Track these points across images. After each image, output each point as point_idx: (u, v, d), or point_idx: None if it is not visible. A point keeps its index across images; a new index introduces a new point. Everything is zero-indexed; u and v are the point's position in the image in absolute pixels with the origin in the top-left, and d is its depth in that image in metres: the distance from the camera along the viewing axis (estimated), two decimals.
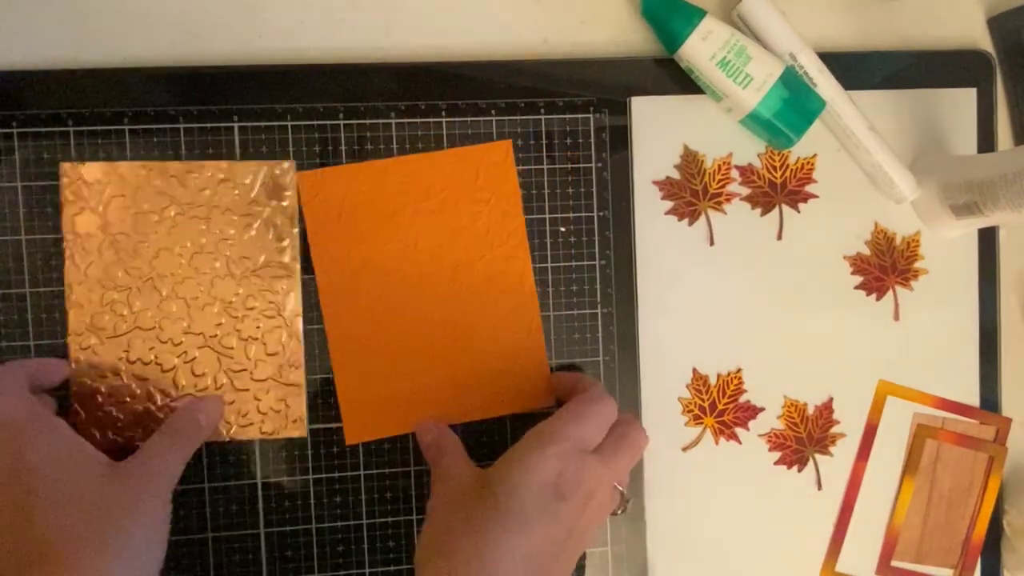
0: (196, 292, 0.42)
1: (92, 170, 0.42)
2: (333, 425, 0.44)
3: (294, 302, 0.43)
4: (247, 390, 0.43)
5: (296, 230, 0.43)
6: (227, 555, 0.43)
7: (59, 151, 0.42)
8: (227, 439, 0.43)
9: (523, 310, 0.44)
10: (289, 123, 0.43)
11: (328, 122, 0.44)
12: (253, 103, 0.43)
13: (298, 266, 0.43)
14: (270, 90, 0.43)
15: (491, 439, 0.45)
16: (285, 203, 0.43)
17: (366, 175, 0.43)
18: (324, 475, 0.44)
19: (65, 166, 0.41)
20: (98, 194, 0.42)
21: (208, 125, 0.43)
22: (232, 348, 0.43)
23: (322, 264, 0.43)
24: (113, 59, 0.43)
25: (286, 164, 0.43)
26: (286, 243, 0.43)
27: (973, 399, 0.50)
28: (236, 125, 0.43)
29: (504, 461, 0.37)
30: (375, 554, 0.44)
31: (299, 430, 0.43)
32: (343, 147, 0.44)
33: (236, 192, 0.42)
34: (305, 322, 0.43)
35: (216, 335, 0.43)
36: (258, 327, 0.43)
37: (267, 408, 0.43)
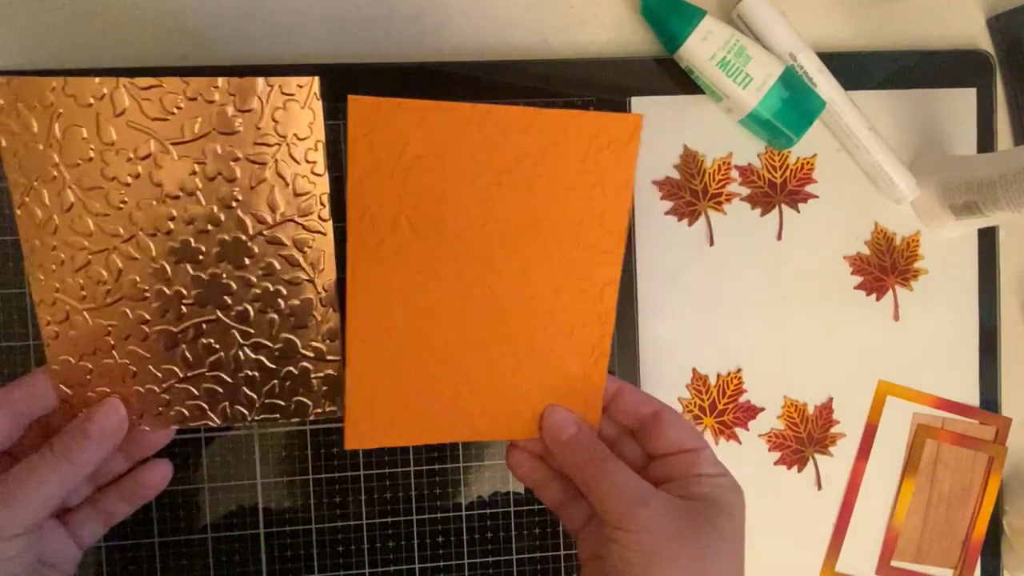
0: (195, 256, 0.34)
1: (34, 87, 0.31)
2: (333, 425, 0.44)
3: (327, 265, 0.35)
4: (273, 368, 0.35)
5: (323, 173, 0.34)
6: (227, 555, 0.43)
7: None
8: (250, 421, 0.36)
9: (593, 327, 0.36)
10: None
11: (328, 122, 0.43)
12: None
13: (329, 218, 0.34)
14: None
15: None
16: (305, 135, 0.33)
17: (442, 120, 0.32)
18: (324, 475, 0.44)
19: None
20: (46, 121, 0.32)
21: None
22: (250, 320, 0.35)
23: (359, 226, 0.33)
24: (113, 59, 0.43)
25: (302, 82, 0.33)
26: (309, 190, 0.34)
27: (973, 399, 0.50)
28: None
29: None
30: (375, 554, 0.44)
31: (335, 412, 0.36)
32: (343, 147, 0.44)
33: (237, 123, 0.33)
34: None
35: (229, 303, 0.34)
36: (282, 297, 0.35)
37: (299, 388, 0.36)
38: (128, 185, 0.33)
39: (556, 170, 0.34)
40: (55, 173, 0.32)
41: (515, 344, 0.36)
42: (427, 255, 0.34)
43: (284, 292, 0.35)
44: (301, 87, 0.33)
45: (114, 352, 0.34)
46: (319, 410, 0.36)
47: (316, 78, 0.33)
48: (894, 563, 0.49)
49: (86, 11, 0.43)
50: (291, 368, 0.35)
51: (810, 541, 0.49)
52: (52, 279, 0.33)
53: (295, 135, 0.33)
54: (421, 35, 0.45)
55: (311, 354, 0.35)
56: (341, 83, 0.44)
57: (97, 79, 0.32)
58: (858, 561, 0.49)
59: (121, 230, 0.33)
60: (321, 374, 0.36)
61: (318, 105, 0.33)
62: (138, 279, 0.34)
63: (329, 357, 0.36)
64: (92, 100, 0.32)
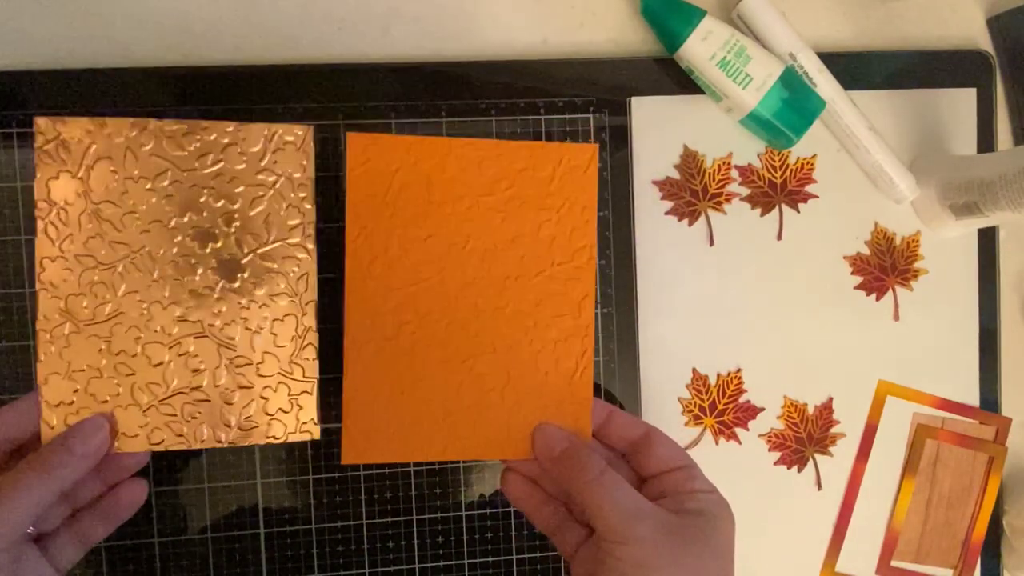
0: (194, 273, 0.37)
1: (73, 127, 0.36)
2: (333, 425, 0.44)
3: (309, 287, 0.38)
4: (251, 387, 0.38)
5: (311, 206, 0.38)
6: (227, 555, 0.43)
7: None
8: (225, 445, 0.38)
9: (574, 341, 0.39)
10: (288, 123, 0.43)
11: (328, 122, 0.44)
12: (253, 103, 0.43)
13: (313, 246, 0.38)
14: (270, 90, 0.43)
15: None
16: (299, 174, 0.38)
17: (426, 151, 0.38)
18: (324, 475, 0.44)
19: (40, 122, 0.36)
20: (79, 155, 0.36)
21: None
22: (235, 339, 0.37)
23: (355, 247, 0.37)
24: (113, 59, 0.43)
25: (300, 130, 0.38)
26: (300, 220, 0.38)
27: (973, 399, 0.50)
28: None
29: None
30: (375, 554, 0.44)
31: (310, 433, 0.38)
32: (343, 148, 0.44)
33: (243, 159, 0.37)
34: (320, 310, 0.39)
35: (216, 324, 0.37)
36: (266, 315, 0.38)
37: (275, 409, 0.38)
38: (143, 209, 0.37)
39: (528, 193, 0.38)
40: (82, 203, 0.36)
41: (502, 360, 0.38)
42: (416, 272, 0.38)
43: (269, 310, 0.38)
44: (299, 134, 0.38)
45: (102, 368, 0.36)
46: (292, 432, 0.38)
47: (311, 128, 0.38)
48: (894, 563, 0.49)
49: (86, 11, 0.43)
50: (269, 386, 0.38)
51: (810, 541, 0.49)
52: (57, 294, 0.36)
53: (290, 172, 0.38)
54: (421, 35, 0.45)
55: (289, 372, 0.38)
56: (341, 83, 0.44)
57: (130, 120, 0.36)
58: (858, 561, 0.49)
59: (130, 249, 0.37)
60: (298, 393, 0.38)
61: (311, 149, 0.38)
62: (138, 296, 0.37)
63: (307, 375, 0.38)
64: (124, 138, 0.36)
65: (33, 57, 0.42)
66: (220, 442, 0.37)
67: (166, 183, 0.37)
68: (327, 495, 0.44)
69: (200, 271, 0.37)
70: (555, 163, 0.39)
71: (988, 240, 0.49)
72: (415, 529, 0.45)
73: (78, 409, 0.36)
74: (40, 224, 0.36)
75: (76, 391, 0.36)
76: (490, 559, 0.45)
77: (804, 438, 0.48)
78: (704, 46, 0.43)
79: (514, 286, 0.38)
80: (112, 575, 0.43)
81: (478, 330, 0.38)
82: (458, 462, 0.45)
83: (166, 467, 0.43)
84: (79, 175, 0.36)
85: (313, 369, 0.38)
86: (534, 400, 0.38)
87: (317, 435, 0.38)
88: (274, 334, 0.38)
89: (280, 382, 0.38)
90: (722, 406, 0.48)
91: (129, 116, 0.40)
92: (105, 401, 0.36)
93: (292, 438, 0.38)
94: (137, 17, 0.43)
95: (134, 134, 0.36)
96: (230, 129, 0.37)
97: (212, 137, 0.37)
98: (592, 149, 0.39)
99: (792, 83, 0.44)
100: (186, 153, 0.37)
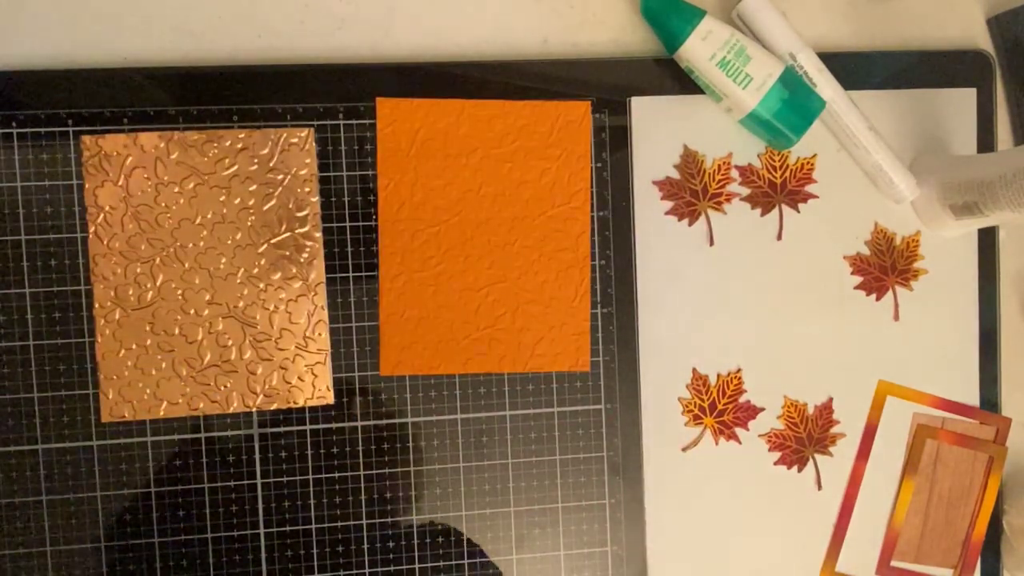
0: (218, 263, 0.42)
1: (112, 142, 0.42)
2: (333, 425, 0.44)
3: (317, 270, 0.43)
4: (271, 360, 0.43)
5: (316, 198, 0.43)
6: (227, 555, 0.43)
7: (59, 151, 0.42)
8: (253, 410, 0.43)
9: (574, 271, 0.45)
10: (289, 123, 0.43)
11: (328, 122, 0.44)
12: (253, 103, 0.43)
13: (320, 234, 0.43)
14: (270, 90, 0.43)
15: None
16: (304, 171, 0.43)
17: (443, 112, 0.44)
18: (324, 475, 0.44)
19: (85, 139, 0.41)
20: (118, 166, 0.42)
21: (208, 125, 0.43)
22: (256, 318, 0.43)
23: (386, 194, 0.44)
24: (113, 59, 0.43)
25: (304, 132, 0.43)
26: (307, 212, 0.43)
27: (973, 399, 0.50)
28: (236, 125, 0.43)
29: None
30: (375, 554, 0.44)
31: (326, 398, 0.43)
32: (343, 147, 0.44)
33: (255, 161, 0.42)
34: (329, 286, 0.44)
35: (240, 305, 0.43)
36: (282, 296, 0.43)
37: (294, 378, 0.43)
38: (174, 210, 0.42)
39: (531, 144, 0.44)
40: (123, 207, 0.42)
41: (512, 288, 0.45)
42: (438, 215, 0.44)
43: (284, 291, 0.43)
44: (302, 136, 0.43)
45: (148, 346, 0.42)
46: (309, 398, 0.43)
47: (312, 130, 0.43)
48: (894, 563, 0.49)
49: (87, 11, 0.43)
50: (287, 358, 0.43)
51: (810, 541, 0.49)
52: (109, 286, 0.42)
53: (296, 169, 0.43)
54: (421, 35, 0.45)
55: (304, 345, 0.43)
56: (341, 83, 0.44)
57: (157, 133, 0.42)
58: (858, 561, 0.49)
59: (165, 244, 0.42)
60: (313, 364, 0.43)
61: (313, 148, 0.43)
62: (174, 284, 0.42)
63: (320, 348, 0.43)
64: (154, 148, 0.42)
65: (33, 57, 0.42)
66: (249, 407, 0.43)
67: (191, 187, 0.42)
68: (327, 495, 0.44)
69: (224, 260, 0.42)
70: (553, 118, 0.44)
71: (988, 240, 0.49)
72: (414, 529, 0.45)
73: (129, 381, 0.42)
74: (91, 227, 0.42)
75: (128, 365, 0.42)
76: (490, 559, 0.45)
77: (804, 438, 0.48)
78: (704, 46, 0.43)
79: (521, 225, 0.45)
80: (112, 575, 0.43)
81: (491, 263, 0.44)
82: (458, 462, 0.45)
83: (166, 467, 0.43)
84: (119, 183, 0.42)
85: (325, 342, 0.43)
86: (540, 322, 0.45)
87: (331, 400, 0.43)
88: (289, 312, 0.43)
89: (296, 355, 0.43)
90: (722, 406, 0.48)
91: (130, 116, 0.42)
92: (151, 374, 0.42)
93: (310, 403, 0.43)
94: (137, 17, 0.43)
95: (162, 145, 0.42)
96: (242, 135, 0.42)
97: (227, 143, 0.42)
98: (585, 105, 0.45)
99: (792, 83, 0.44)
100: (206, 159, 0.42)
